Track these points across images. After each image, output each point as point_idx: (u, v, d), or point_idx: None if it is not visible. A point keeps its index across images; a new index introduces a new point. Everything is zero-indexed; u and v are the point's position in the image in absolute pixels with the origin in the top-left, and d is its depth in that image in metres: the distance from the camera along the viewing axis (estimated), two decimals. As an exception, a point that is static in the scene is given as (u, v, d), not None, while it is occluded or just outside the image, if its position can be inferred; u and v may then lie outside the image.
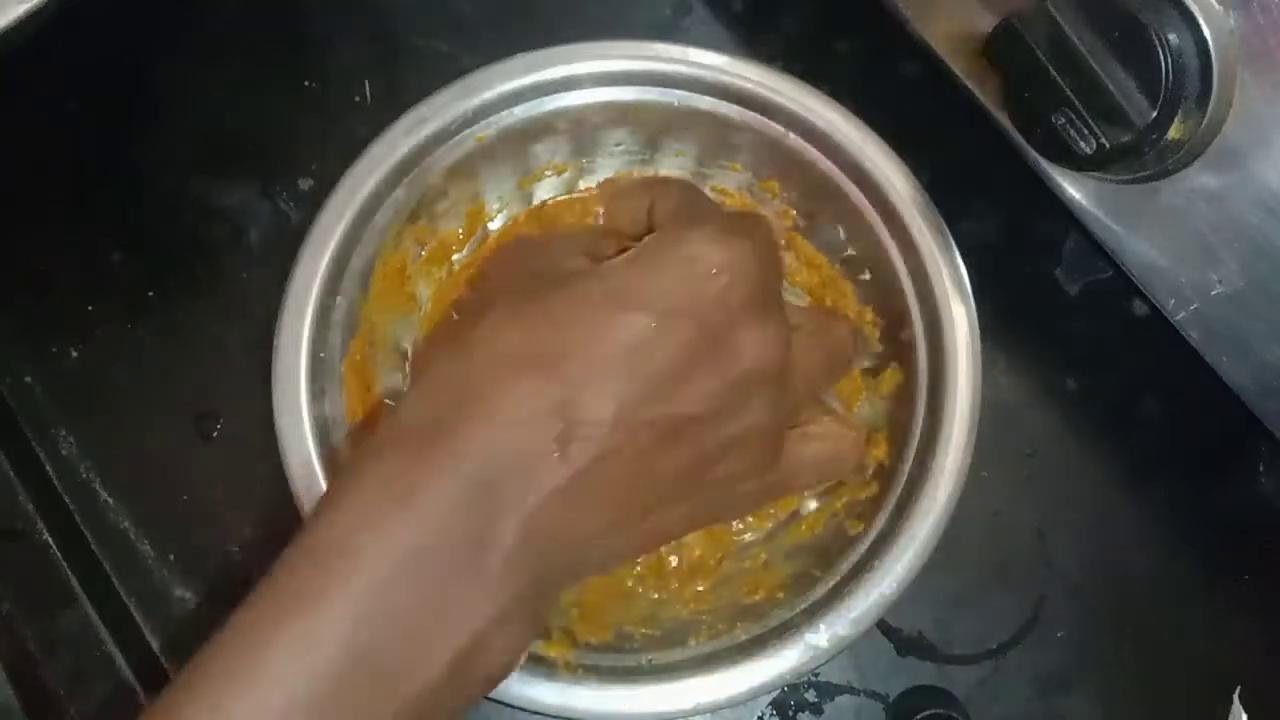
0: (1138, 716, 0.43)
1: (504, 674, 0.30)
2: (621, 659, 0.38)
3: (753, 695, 0.37)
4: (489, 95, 0.40)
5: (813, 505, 0.42)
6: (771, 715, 0.43)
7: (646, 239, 0.32)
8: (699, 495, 0.32)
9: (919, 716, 0.41)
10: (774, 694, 0.43)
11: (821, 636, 0.37)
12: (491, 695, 0.36)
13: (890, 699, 0.43)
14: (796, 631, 0.37)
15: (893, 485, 0.39)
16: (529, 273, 0.36)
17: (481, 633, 0.28)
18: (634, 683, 0.37)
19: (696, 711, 0.36)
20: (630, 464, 0.30)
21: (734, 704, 0.37)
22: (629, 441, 0.29)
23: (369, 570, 0.27)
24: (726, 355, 0.30)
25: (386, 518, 0.28)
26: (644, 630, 0.40)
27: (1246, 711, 0.42)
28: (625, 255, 0.32)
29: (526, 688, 0.36)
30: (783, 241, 0.44)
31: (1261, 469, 0.45)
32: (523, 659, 0.30)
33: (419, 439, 0.29)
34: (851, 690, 0.43)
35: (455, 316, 0.42)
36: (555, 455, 0.28)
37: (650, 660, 0.38)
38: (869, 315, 0.42)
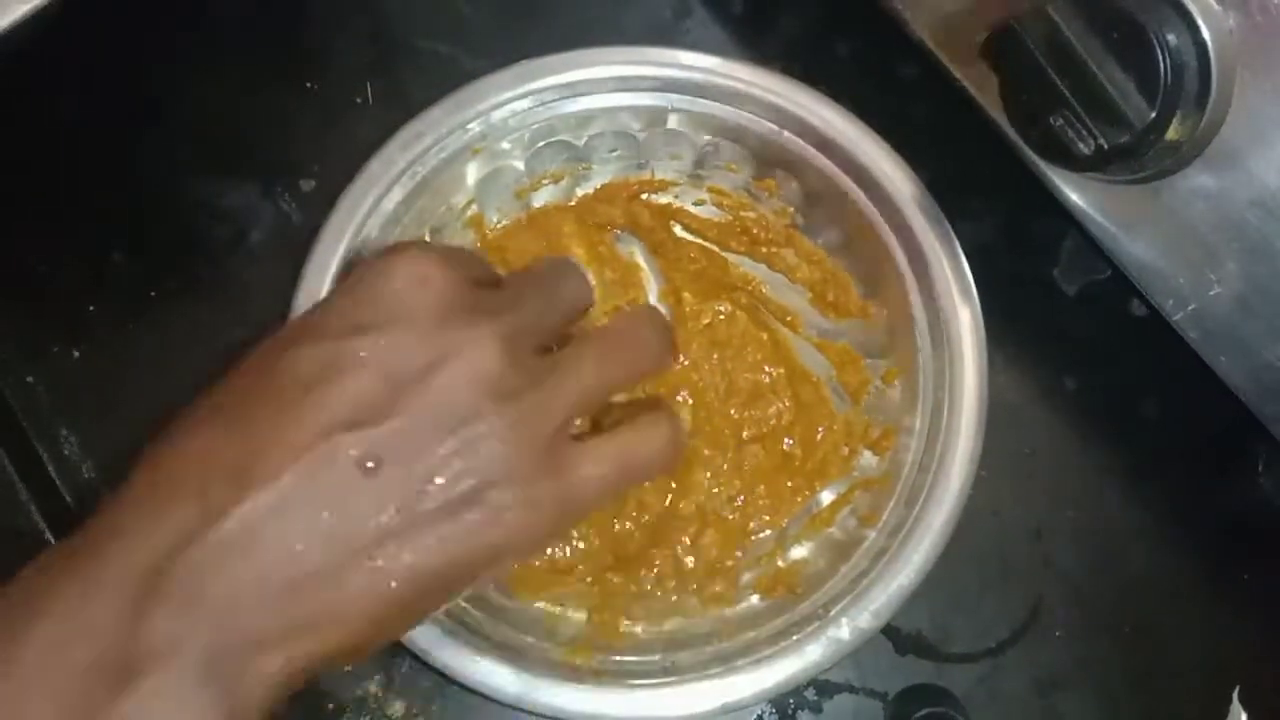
0: (1136, 716, 0.43)
1: None
2: (644, 662, 0.38)
3: (778, 692, 0.37)
4: (483, 107, 0.41)
5: (826, 500, 0.42)
6: (771, 714, 0.43)
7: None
8: (430, 528, 0.28)
9: (918, 715, 0.41)
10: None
11: (843, 630, 0.37)
12: (515, 704, 0.36)
13: (889, 698, 0.43)
14: (818, 626, 0.37)
15: (900, 477, 0.39)
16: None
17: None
18: (658, 685, 0.37)
19: (723, 711, 0.36)
20: (314, 504, 0.27)
21: (759, 701, 0.37)
22: (307, 478, 0.27)
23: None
24: (418, 364, 0.28)
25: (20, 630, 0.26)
26: (665, 633, 0.40)
27: (1246, 711, 0.42)
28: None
29: (552, 695, 0.36)
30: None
31: (1261, 469, 0.45)
32: None
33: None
34: (851, 689, 0.43)
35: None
36: (193, 504, 0.26)
37: (674, 662, 0.38)
38: (871, 309, 0.42)
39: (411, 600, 0.28)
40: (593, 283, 0.35)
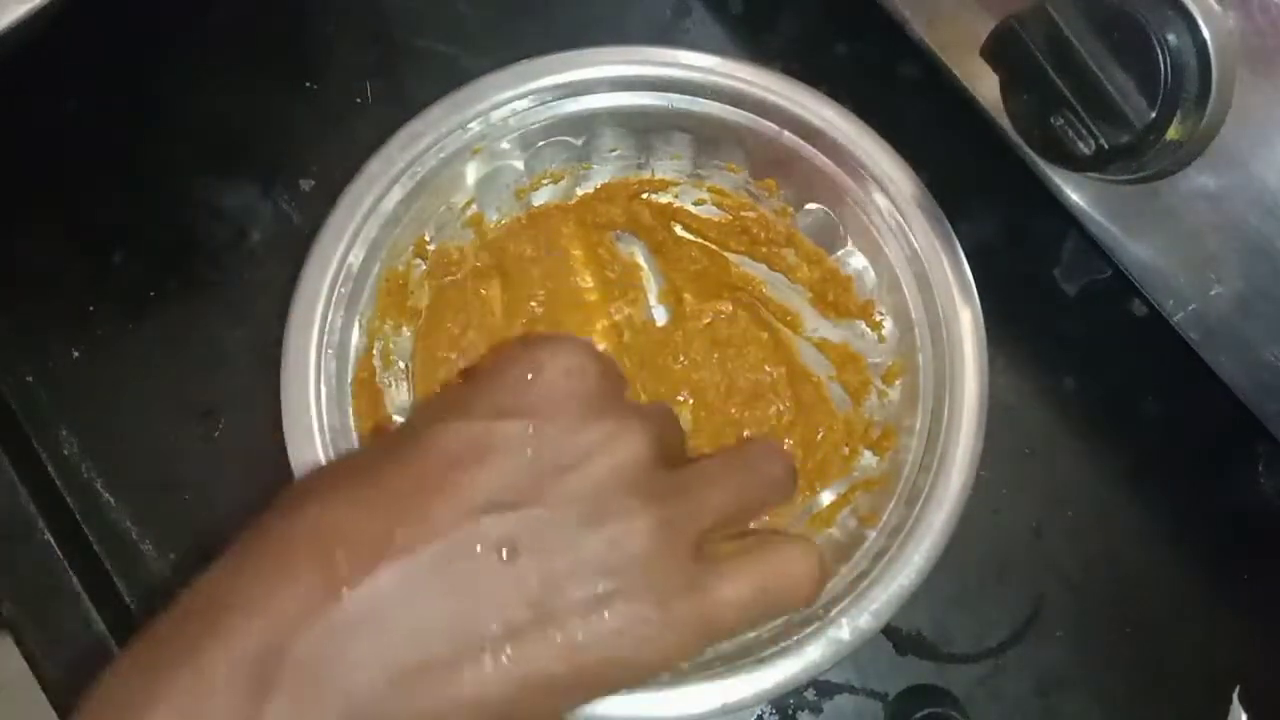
0: (1136, 716, 0.43)
1: None
2: None
3: (778, 692, 0.37)
4: (483, 107, 0.41)
5: (826, 500, 0.42)
6: (771, 714, 0.43)
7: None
8: (561, 627, 0.26)
9: (918, 715, 0.41)
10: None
11: (844, 630, 0.37)
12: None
13: (889, 698, 0.43)
14: (818, 627, 0.37)
15: (901, 477, 0.39)
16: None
17: None
18: (658, 685, 0.37)
19: (723, 711, 0.36)
20: (445, 589, 0.25)
21: (759, 702, 0.37)
22: (441, 560, 0.25)
23: None
24: (567, 453, 0.27)
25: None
26: None
27: (1246, 711, 0.42)
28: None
29: None
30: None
31: (1261, 469, 0.45)
32: None
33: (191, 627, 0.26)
34: (850, 689, 0.43)
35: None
36: (317, 575, 0.25)
37: None
38: (871, 308, 0.42)
39: (529, 702, 0.26)
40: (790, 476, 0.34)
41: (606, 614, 0.26)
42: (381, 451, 0.29)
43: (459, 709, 0.25)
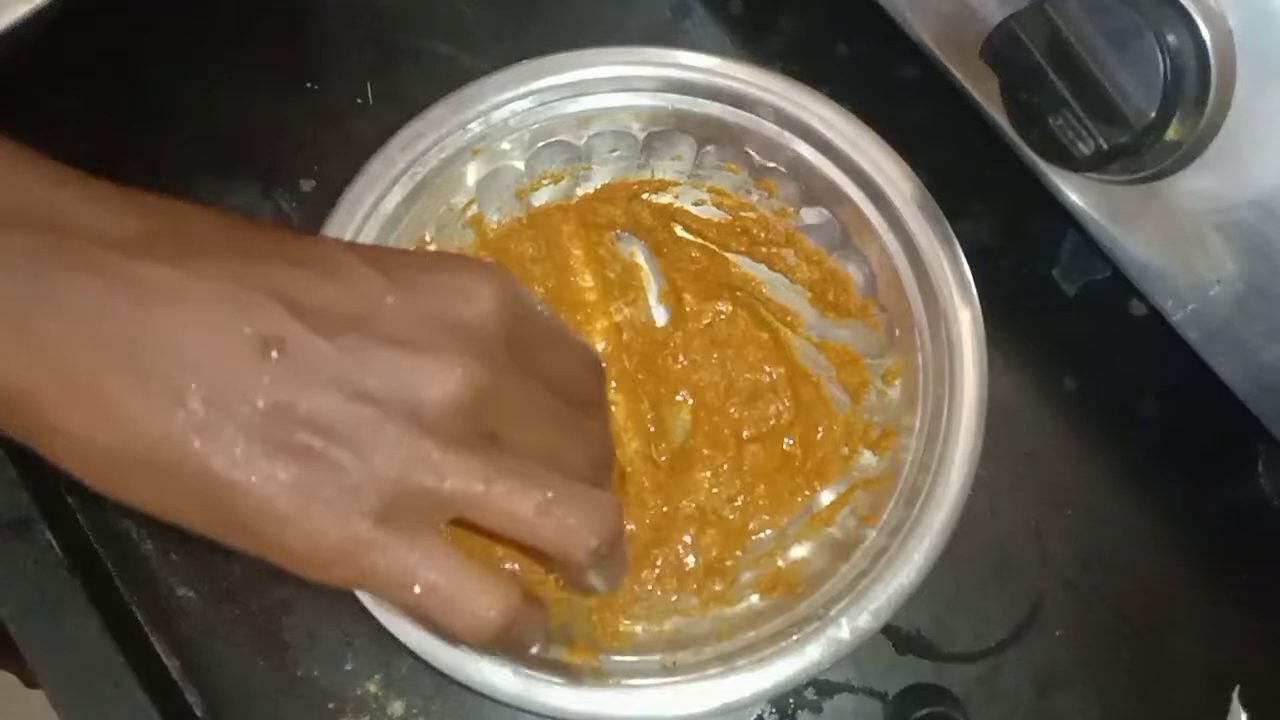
0: (1136, 715, 0.43)
1: None
2: (644, 662, 0.38)
3: (778, 692, 0.37)
4: (483, 107, 0.41)
5: (826, 500, 0.42)
6: (771, 714, 0.43)
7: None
8: (258, 440, 0.24)
9: (918, 715, 0.41)
10: (774, 693, 0.43)
11: (843, 629, 0.37)
12: (515, 704, 0.36)
13: (889, 697, 0.43)
14: (818, 626, 0.37)
15: (900, 477, 0.39)
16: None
17: None
18: (658, 685, 0.37)
19: (723, 711, 0.36)
20: (208, 322, 0.25)
21: (759, 701, 0.37)
22: (231, 302, 0.25)
23: None
24: (401, 331, 0.25)
25: None
26: (665, 633, 0.40)
27: (1246, 710, 0.42)
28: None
29: (551, 695, 0.36)
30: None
31: (1261, 469, 0.45)
32: None
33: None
34: (850, 689, 0.43)
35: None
36: (137, 237, 0.25)
37: (674, 662, 0.38)
38: (871, 309, 0.42)
39: (178, 482, 0.25)
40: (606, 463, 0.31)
41: (297, 468, 0.24)
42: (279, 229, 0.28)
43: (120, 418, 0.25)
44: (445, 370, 0.25)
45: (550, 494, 0.26)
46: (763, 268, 0.45)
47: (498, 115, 0.41)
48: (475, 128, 0.41)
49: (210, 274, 0.25)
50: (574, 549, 0.26)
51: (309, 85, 0.48)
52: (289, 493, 0.24)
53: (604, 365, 0.30)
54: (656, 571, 0.42)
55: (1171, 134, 0.32)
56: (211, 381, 0.24)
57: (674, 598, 0.41)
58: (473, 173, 0.42)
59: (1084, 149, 0.33)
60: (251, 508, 0.25)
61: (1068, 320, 0.46)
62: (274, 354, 0.24)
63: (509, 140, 0.42)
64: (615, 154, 0.44)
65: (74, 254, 0.25)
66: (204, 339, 0.24)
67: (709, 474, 0.43)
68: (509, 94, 0.41)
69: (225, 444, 0.24)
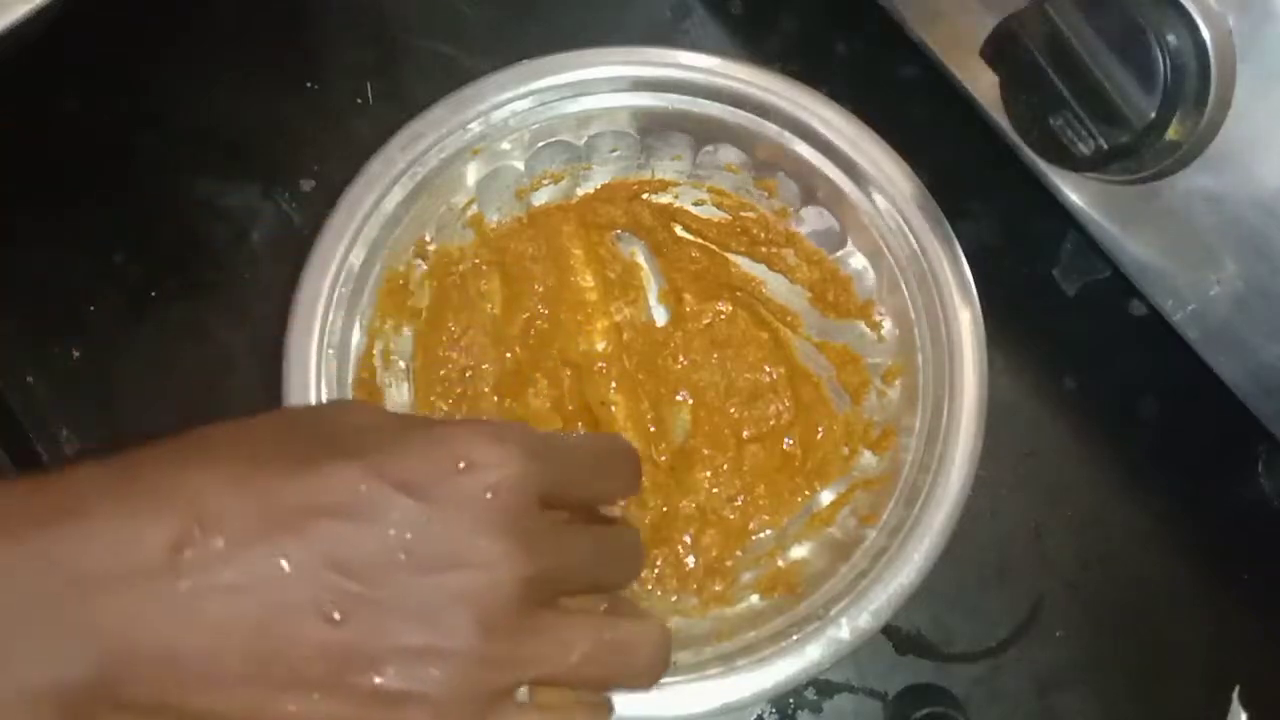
0: (1136, 715, 0.43)
1: None
2: None
3: (778, 692, 0.37)
4: (483, 107, 0.41)
5: (826, 500, 0.42)
6: (771, 714, 0.43)
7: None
8: (347, 703, 0.26)
9: (918, 715, 0.41)
10: (774, 693, 0.43)
11: (843, 629, 0.37)
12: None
13: (889, 697, 0.43)
14: (818, 626, 0.37)
15: (901, 477, 0.39)
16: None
17: None
18: (659, 685, 0.37)
19: (723, 711, 0.36)
20: (264, 604, 0.26)
21: (759, 701, 0.37)
22: (278, 586, 0.26)
23: None
24: (438, 556, 0.27)
25: None
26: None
27: (1246, 710, 0.42)
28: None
29: None
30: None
31: (1261, 469, 0.45)
32: None
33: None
34: (850, 688, 0.43)
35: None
36: (166, 561, 0.25)
37: (674, 662, 0.38)
38: (871, 309, 0.42)
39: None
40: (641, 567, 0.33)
41: (389, 712, 0.26)
42: (298, 446, 0.28)
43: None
44: (491, 579, 0.27)
45: (610, 649, 0.29)
46: (763, 268, 0.45)
47: (498, 115, 0.41)
48: (475, 128, 0.41)
49: (254, 567, 0.26)
50: (638, 684, 0.30)
51: (309, 85, 0.48)
52: None
53: (635, 450, 0.32)
54: (656, 572, 0.42)
55: (1171, 134, 0.32)
56: (289, 660, 0.26)
57: (674, 598, 0.41)
58: (473, 173, 0.42)
59: (1084, 149, 0.33)
60: None
61: (1068, 320, 0.46)
62: (338, 615, 0.26)
63: (509, 140, 0.42)
64: (615, 154, 0.44)
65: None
66: (270, 623, 0.26)
67: (709, 474, 0.43)
68: (509, 94, 0.41)
69: (329, 711, 0.26)
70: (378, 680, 0.26)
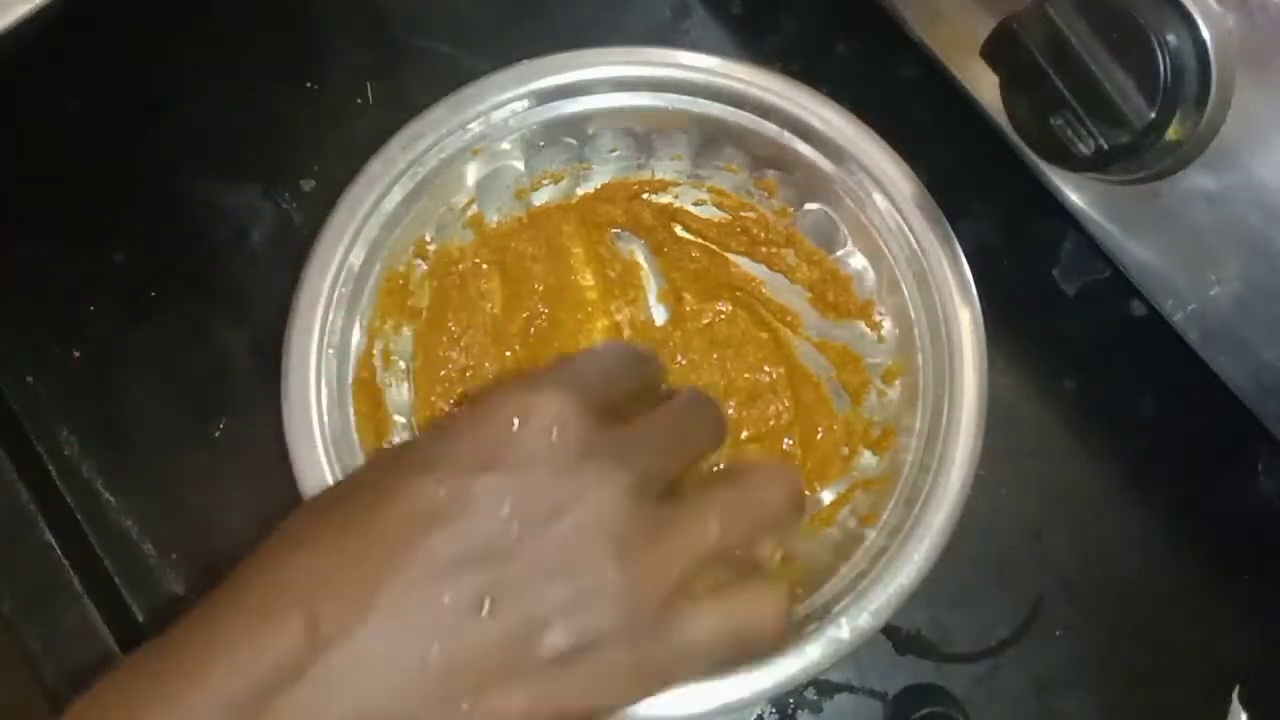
0: (1136, 716, 0.43)
1: None
2: None
3: (778, 692, 0.37)
4: (483, 107, 0.41)
5: (826, 500, 0.42)
6: (771, 713, 0.43)
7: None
8: (538, 676, 0.27)
9: (917, 715, 0.41)
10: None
11: (843, 629, 0.37)
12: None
13: (889, 697, 0.43)
14: (817, 626, 0.37)
15: (901, 477, 0.39)
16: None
17: None
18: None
19: (723, 711, 0.36)
20: (426, 639, 0.26)
21: (759, 701, 0.37)
22: (421, 612, 0.26)
23: None
24: (543, 508, 0.28)
25: None
26: None
27: (1246, 711, 0.42)
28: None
29: None
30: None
31: (1261, 469, 0.45)
32: None
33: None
34: (850, 688, 0.43)
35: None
36: (299, 629, 0.26)
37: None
38: (871, 309, 0.42)
39: None
40: (727, 422, 0.34)
41: (578, 663, 0.27)
42: (369, 494, 0.29)
43: None
44: (598, 505, 0.28)
45: (730, 507, 0.30)
46: (763, 268, 0.45)
47: (498, 115, 0.41)
48: (475, 128, 0.41)
49: (388, 611, 0.26)
50: (784, 521, 0.32)
51: (309, 85, 0.48)
52: (596, 688, 0.28)
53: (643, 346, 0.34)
54: None
55: (1172, 134, 0.32)
56: (464, 670, 0.27)
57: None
58: (473, 173, 0.42)
59: (1084, 149, 0.33)
60: (577, 714, 0.28)
61: (1068, 320, 0.46)
62: (487, 605, 0.27)
63: (509, 140, 0.42)
64: (615, 154, 0.44)
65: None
66: (428, 644, 0.26)
67: (709, 474, 0.43)
68: (509, 94, 0.41)
69: (518, 700, 0.27)
70: (550, 643, 0.27)
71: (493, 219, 0.44)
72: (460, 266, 0.43)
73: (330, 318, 0.39)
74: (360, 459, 0.39)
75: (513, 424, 0.29)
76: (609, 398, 0.31)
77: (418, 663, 0.26)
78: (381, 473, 0.30)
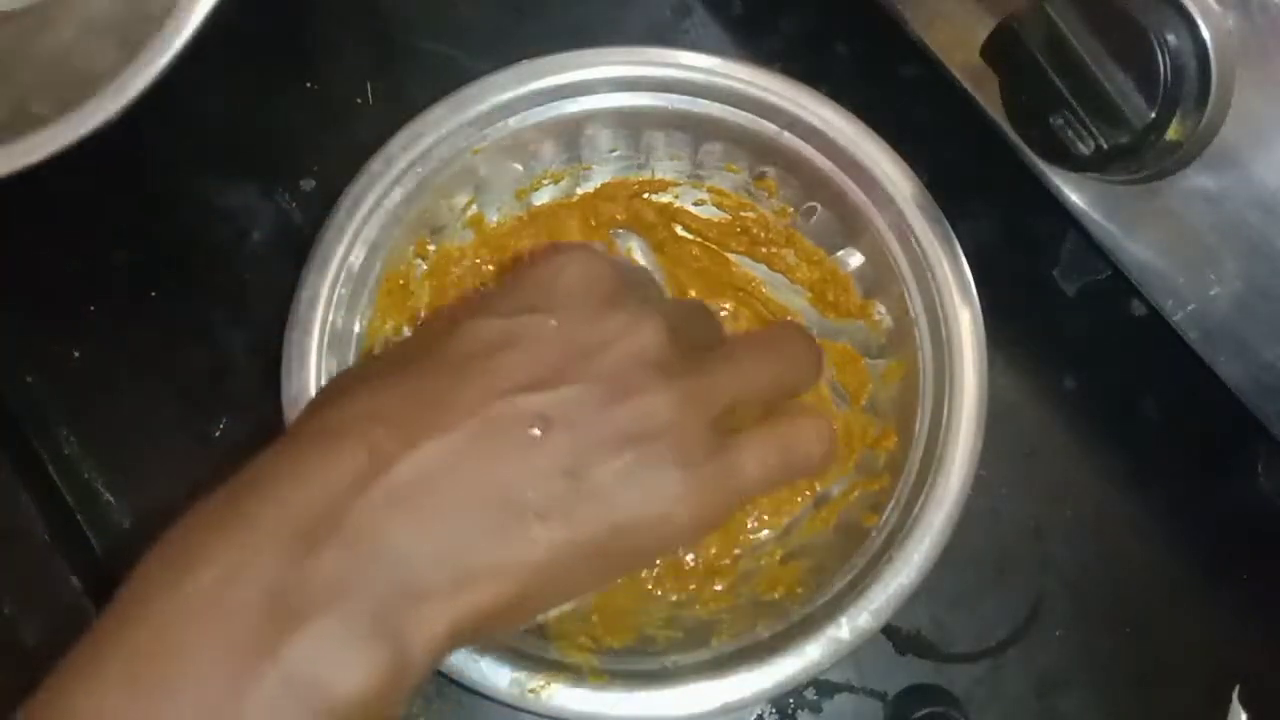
0: (1136, 715, 0.43)
1: (347, 695, 0.25)
2: (644, 662, 0.38)
3: (778, 692, 0.37)
4: (484, 107, 0.41)
5: (825, 499, 0.42)
6: (771, 713, 0.43)
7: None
8: (594, 497, 0.28)
9: (918, 715, 0.41)
10: (774, 693, 0.43)
11: (843, 629, 0.37)
12: (515, 704, 0.36)
13: (889, 697, 0.43)
14: (817, 626, 0.37)
15: (901, 477, 0.39)
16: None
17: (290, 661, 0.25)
18: (658, 686, 0.37)
19: (723, 712, 0.36)
20: (485, 461, 0.27)
21: (759, 701, 0.37)
22: (480, 436, 0.27)
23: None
24: (591, 339, 0.29)
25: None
26: (665, 632, 0.40)
27: (1246, 711, 0.42)
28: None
29: (551, 695, 0.36)
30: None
31: (1260, 469, 0.45)
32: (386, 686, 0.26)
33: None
34: (850, 689, 0.43)
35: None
36: (363, 452, 0.27)
37: (674, 662, 0.38)
38: (871, 309, 0.42)
39: (571, 566, 0.28)
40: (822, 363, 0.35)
41: (636, 478, 0.28)
42: (417, 346, 0.31)
43: (504, 573, 0.27)
44: (638, 338, 0.30)
45: (764, 352, 0.33)
46: (763, 268, 0.45)
47: (498, 115, 0.41)
48: (475, 128, 0.41)
49: (446, 437, 0.27)
50: (816, 378, 0.35)
51: (309, 85, 0.48)
52: (645, 501, 0.29)
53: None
54: (656, 571, 0.42)
55: (1172, 134, 0.32)
56: (526, 488, 0.28)
57: (674, 598, 0.41)
58: (473, 173, 0.42)
59: (1084, 149, 0.33)
60: (643, 533, 0.29)
61: (1068, 320, 0.46)
62: (541, 428, 0.28)
63: (509, 140, 0.42)
64: (615, 154, 0.44)
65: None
66: (490, 470, 0.28)
67: (709, 474, 0.43)
68: (509, 94, 0.41)
69: (581, 516, 0.28)
70: (611, 462, 0.28)
71: (493, 219, 0.44)
72: (460, 266, 0.43)
73: (330, 318, 0.39)
74: None
75: (550, 276, 0.31)
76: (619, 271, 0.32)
77: (479, 481, 0.27)
78: (425, 330, 0.32)
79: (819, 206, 0.43)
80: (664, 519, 0.29)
